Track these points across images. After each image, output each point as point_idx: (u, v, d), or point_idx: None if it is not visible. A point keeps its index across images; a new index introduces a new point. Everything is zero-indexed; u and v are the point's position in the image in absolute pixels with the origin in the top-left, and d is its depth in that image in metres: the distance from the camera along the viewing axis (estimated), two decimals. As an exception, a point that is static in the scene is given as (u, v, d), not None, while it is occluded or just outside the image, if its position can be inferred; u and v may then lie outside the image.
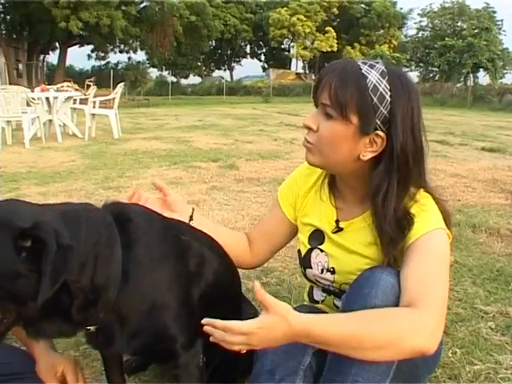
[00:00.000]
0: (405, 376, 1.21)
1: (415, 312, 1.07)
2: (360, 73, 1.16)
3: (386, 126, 1.16)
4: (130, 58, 42.95)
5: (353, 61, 1.21)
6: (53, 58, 41.21)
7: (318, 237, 1.42)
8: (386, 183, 1.19)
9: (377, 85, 1.14)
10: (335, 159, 1.24)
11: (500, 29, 40.48)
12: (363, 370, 1.09)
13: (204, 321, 1.05)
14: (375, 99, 1.14)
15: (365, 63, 1.18)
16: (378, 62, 1.19)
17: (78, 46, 37.12)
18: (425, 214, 1.21)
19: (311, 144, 1.24)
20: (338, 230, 1.37)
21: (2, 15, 32.72)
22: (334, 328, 1.04)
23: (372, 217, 1.25)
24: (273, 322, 1.01)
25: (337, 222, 1.38)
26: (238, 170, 5.67)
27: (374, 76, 1.15)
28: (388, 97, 1.15)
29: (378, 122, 1.16)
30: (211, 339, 1.05)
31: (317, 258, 1.41)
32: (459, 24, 40.31)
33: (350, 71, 1.16)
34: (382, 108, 1.15)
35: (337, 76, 1.16)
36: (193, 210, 1.55)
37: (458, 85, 32.25)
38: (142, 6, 34.34)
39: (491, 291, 2.42)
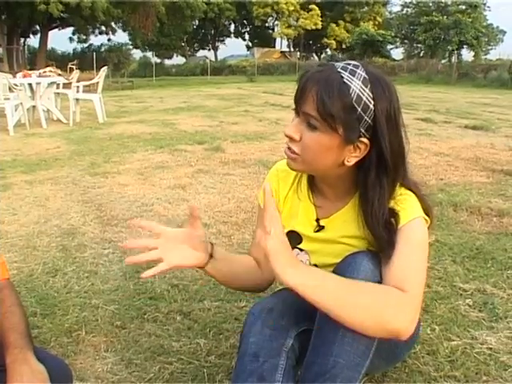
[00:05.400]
0: (384, 355, 1.28)
1: (402, 294, 1.12)
2: (343, 82, 1.15)
3: (370, 133, 1.18)
4: (109, 40, 42.13)
5: (333, 68, 1.19)
6: (34, 41, 40.56)
7: (293, 237, 1.42)
8: (378, 189, 1.23)
9: (360, 94, 1.15)
10: (319, 166, 1.25)
11: (485, 4, 40.41)
12: (344, 351, 1.14)
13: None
14: (359, 110, 1.15)
15: (345, 69, 1.17)
16: (357, 67, 1.19)
17: (58, 28, 36.46)
18: (403, 204, 1.25)
19: (295, 154, 1.24)
20: (320, 228, 1.39)
21: (-20, -1, 32.07)
22: (329, 282, 1.12)
23: (362, 221, 1.27)
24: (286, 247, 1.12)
25: (317, 220, 1.40)
26: (223, 153, 5.69)
27: (356, 85, 1.15)
28: (372, 106, 1.16)
29: (362, 130, 1.17)
30: None
31: (297, 257, 1.40)
32: (443, 0, 40.07)
33: (333, 82, 1.15)
34: (366, 117, 1.16)
35: (321, 87, 1.15)
36: (212, 246, 1.37)
37: (443, 61, 32.26)
38: (123, -14, 33.77)
39: (470, 269, 2.49)
